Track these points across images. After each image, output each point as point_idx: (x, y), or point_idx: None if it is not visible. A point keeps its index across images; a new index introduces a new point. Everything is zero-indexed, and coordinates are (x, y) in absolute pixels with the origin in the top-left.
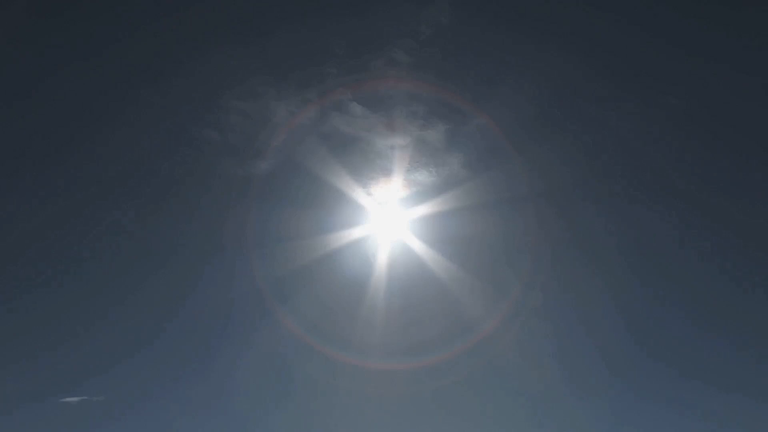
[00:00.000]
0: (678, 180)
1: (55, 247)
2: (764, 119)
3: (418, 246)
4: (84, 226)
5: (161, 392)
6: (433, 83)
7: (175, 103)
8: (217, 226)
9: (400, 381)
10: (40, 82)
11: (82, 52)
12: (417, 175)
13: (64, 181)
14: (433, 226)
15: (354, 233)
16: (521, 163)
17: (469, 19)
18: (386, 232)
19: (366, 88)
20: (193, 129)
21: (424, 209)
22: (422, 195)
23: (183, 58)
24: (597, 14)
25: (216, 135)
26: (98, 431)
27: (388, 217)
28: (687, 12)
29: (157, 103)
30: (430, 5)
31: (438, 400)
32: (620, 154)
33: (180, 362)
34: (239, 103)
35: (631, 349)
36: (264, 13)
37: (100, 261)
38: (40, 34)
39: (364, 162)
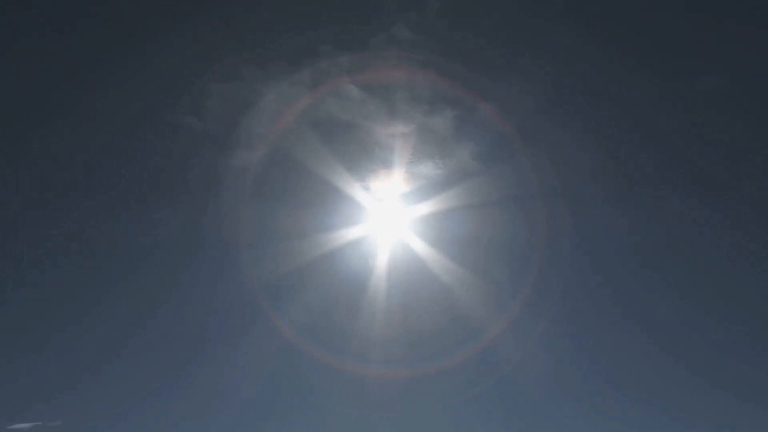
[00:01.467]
0: (708, 173)
1: (5, 250)
2: None
3: (422, 247)
4: (41, 227)
5: (132, 413)
6: (440, 64)
7: (147, 85)
8: (197, 225)
9: (401, 389)
10: None
11: (40, 26)
12: (421, 168)
13: (15, 179)
14: (438, 225)
15: (351, 233)
16: (538, 155)
17: None
18: (386, 232)
19: (364, 69)
20: (168, 115)
21: (429, 206)
22: (426, 190)
23: (156, 33)
24: None
25: (195, 122)
26: None
27: (389, 215)
28: None
29: (126, 85)
30: None
31: (441, 410)
32: (648, 142)
33: (156, 376)
34: (221, 85)
35: (652, 357)
36: None
37: (61, 266)
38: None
39: (361, 153)
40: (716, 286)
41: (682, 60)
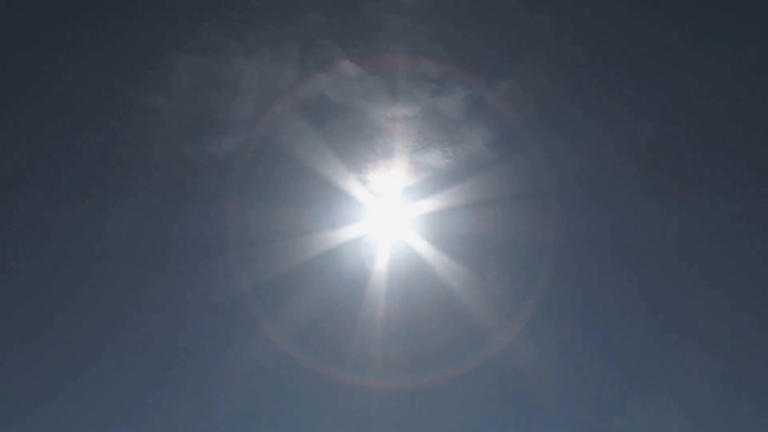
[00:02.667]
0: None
1: None
2: None
3: (426, 248)
4: None
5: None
6: (449, 35)
7: (106, 60)
8: (165, 223)
9: (403, 402)
10: None
11: None
12: (427, 158)
13: None
14: (445, 223)
15: (346, 232)
16: (563, 143)
17: None
18: (386, 231)
19: (361, 41)
20: (131, 94)
21: (435, 202)
22: (433, 183)
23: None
24: None
25: (163, 102)
26: None
27: (389, 212)
28: None
29: (82, 59)
30: None
31: (447, 424)
32: (696, 130)
33: (131, 391)
34: (194, 59)
35: (683, 365)
36: None
37: (17, 272)
38: None
39: (358, 140)
40: (749, 288)
41: (726, 38)
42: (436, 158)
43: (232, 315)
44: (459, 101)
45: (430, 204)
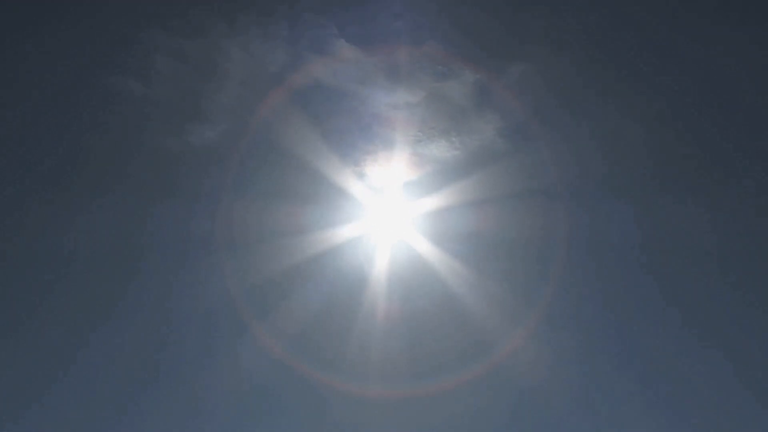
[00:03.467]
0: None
1: None
2: None
3: (430, 250)
4: None
5: None
6: (457, 14)
7: (76, 39)
8: (144, 221)
9: (405, 411)
10: None
11: None
12: (431, 149)
13: None
14: (451, 222)
15: (343, 232)
16: (580, 133)
17: None
18: (386, 231)
19: (359, 20)
20: (104, 77)
21: (441, 198)
22: (438, 177)
23: None
24: None
25: (138, 87)
26: None
27: (390, 210)
28: None
29: (49, 38)
30: None
31: None
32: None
33: (114, 400)
34: (173, 40)
35: (702, 377)
36: None
37: None
38: None
39: (356, 129)
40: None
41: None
42: (441, 149)
43: (219, 320)
44: (467, 86)
45: (435, 200)
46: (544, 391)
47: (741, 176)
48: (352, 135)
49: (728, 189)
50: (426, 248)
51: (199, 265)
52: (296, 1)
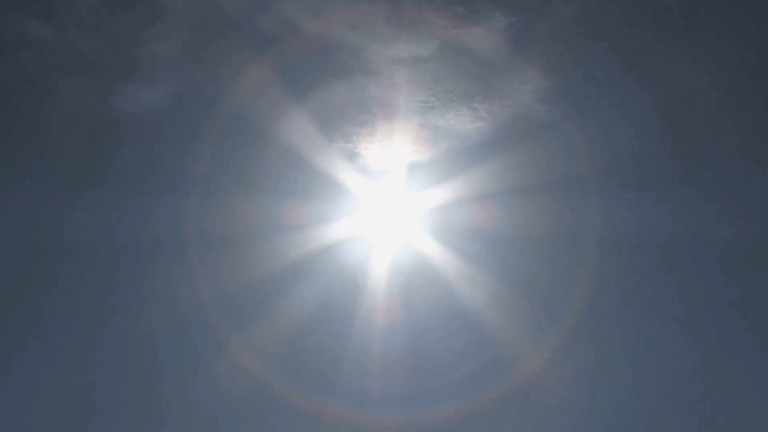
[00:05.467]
0: None
1: None
2: None
3: (444, 254)
4: None
5: None
6: None
7: None
8: (59, 212)
9: None
10: None
11: None
12: (448, 120)
13: None
14: (472, 218)
15: (331, 229)
16: (644, 95)
17: None
18: (387, 230)
19: None
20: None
21: (459, 187)
22: (456, 158)
23: None
24: None
25: (47, 32)
26: None
27: (391, 202)
28: None
29: None
30: None
31: None
32: None
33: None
34: None
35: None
36: None
37: None
38: None
39: (344, 92)
40: None
41: None
42: (461, 120)
43: (185, 335)
44: (497, 34)
45: (451, 189)
46: (572, 416)
47: None
48: (339, 100)
49: None
50: (438, 252)
51: (130, 272)
52: None
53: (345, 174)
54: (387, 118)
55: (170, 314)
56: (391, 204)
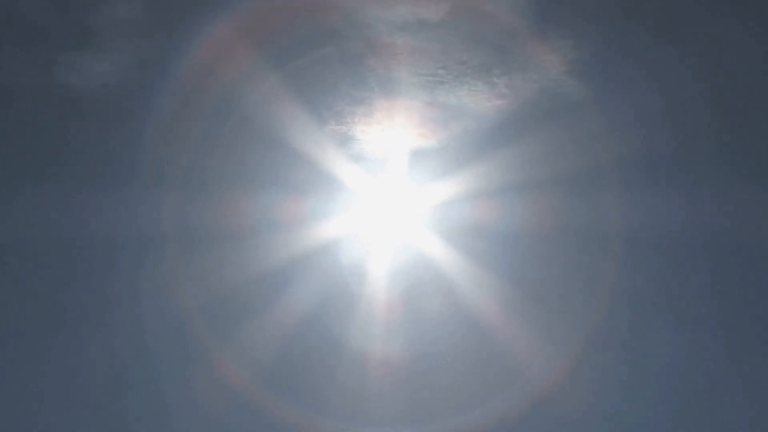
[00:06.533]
0: None
1: None
2: None
3: (447, 254)
4: None
5: None
6: None
7: None
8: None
9: None
10: None
11: None
12: (461, 97)
13: None
14: (490, 215)
15: (322, 227)
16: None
17: None
18: (386, 228)
19: None
20: None
21: (473, 177)
22: (470, 143)
23: None
24: None
25: None
26: None
27: (391, 195)
28: None
29: None
30: None
31: None
32: None
33: None
34: None
35: None
36: None
37: None
38: None
39: (336, 63)
40: None
41: None
42: (476, 98)
43: (158, 346)
44: None
45: (464, 181)
46: None
47: None
48: (331, 73)
49: None
50: (447, 257)
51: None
52: None
53: (337, 162)
54: (387, 95)
55: (138, 324)
56: (392, 198)
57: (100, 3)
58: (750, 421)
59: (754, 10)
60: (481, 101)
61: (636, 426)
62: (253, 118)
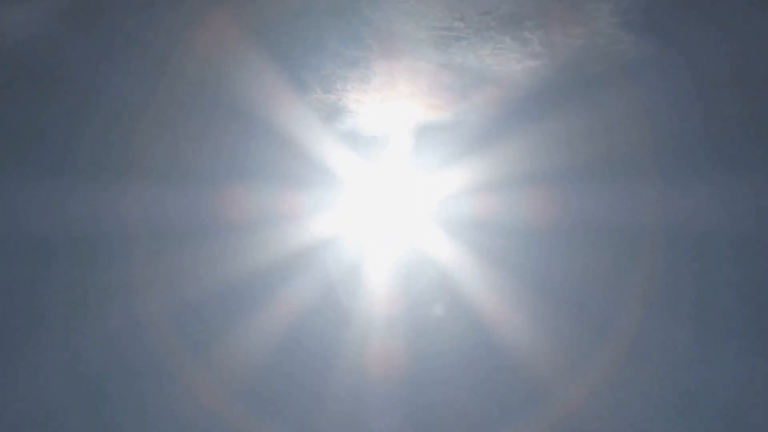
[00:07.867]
0: None
1: None
2: None
3: (459, 253)
4: None
5: None
6: None
7: None
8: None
9: None
10: None
11: None
12: (482, 58)
13: None
14: (505, 205)
15: (310, 222)
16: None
17: None
18: (387, 227)
19: None
20: None
21: (491, 162)
22: (490, 118)
23: None
24: None
25: None
26: None
27: (391, 181)
28: None
29: None
30: None
31: None
32: None
33: None
34: None
35: None
36: None
37: None
38: None
39: (326, 19)
40: None
41: None
42: (502, 59)
43: (150, 342)
44: None
45: (484, 164)
46: None
47: None
48: (317, 29)
49: None
50: (458, 256)
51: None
52: None
53: (324, 140)
54: (389, 55)
55: (130, 319)
56: (393, 188)
57: None
58: None
59: None
60: (508, 63)
61: None
62: (223, 83)
